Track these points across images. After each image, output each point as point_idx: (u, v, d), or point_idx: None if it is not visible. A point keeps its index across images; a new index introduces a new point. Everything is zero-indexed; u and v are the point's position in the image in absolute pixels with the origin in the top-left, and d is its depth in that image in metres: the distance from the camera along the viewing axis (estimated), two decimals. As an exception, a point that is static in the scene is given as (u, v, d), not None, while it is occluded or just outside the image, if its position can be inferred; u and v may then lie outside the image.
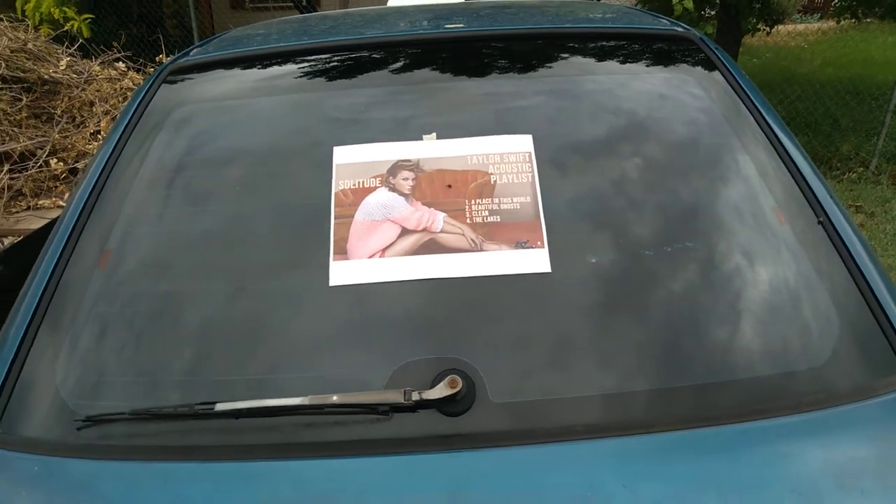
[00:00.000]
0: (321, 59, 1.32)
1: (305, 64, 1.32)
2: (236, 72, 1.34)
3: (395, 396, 0.85)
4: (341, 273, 0.96)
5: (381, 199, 1.02)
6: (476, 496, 0.81)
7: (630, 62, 1.32)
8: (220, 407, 0.86)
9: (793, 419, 0.87)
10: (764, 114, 1.15)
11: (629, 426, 0.86)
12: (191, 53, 1.45)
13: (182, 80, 1.31)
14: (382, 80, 1.28)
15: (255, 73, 1.33)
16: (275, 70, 1.33)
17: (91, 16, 5.92)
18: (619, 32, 1.39)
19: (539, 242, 0.97)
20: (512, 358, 0.92)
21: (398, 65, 1.31)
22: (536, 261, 0.96)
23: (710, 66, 1.26)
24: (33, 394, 0.94)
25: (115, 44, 5.84)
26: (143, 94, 1.26)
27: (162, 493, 0.83)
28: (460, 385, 0.85)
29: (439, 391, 0.84)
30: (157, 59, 5.52)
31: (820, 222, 1.03)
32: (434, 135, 1.09)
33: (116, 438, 0.89)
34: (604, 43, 1.36)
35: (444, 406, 0.86)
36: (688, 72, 1.26)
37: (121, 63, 5.30)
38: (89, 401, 0.92)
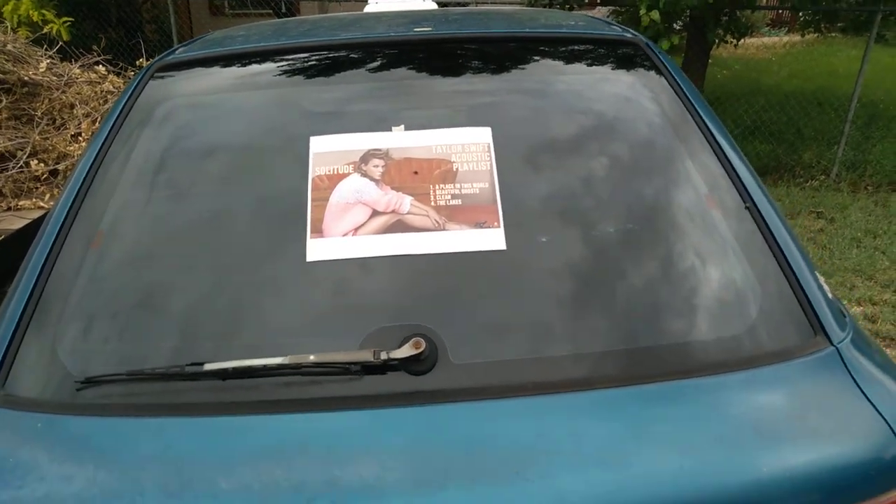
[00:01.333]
0: (299, 57, 1.43)
1: (284, 62, 1.42)
2: (220, 69, 1.43)
3: (366, 356, 0.94)
4: (317, 250, 1.06)
5: (353, 184, 1.12)
6: (437, 445, 0.91)
7: (581, 64, 1.44)
8: (208, 367, 0.95)
9: (719, 378, 0.99)
10: (699, 111, 1.28)
11: (573, 384, 0.97)
12: (177, 52, 1.55)
13: (169, 77, 1.40)
14: (355, 77, 1.38)
15: (237, 71, 1.43)
16: (256, 67, 1.43)
17: (70, 19, 5.93)
18: (572, 37, 1.52)
19: (496, 223, 1.08)
20: (470, 324, 1.03)
21: (370, 64, 1.42)
22: (493, 239, 1.07)
23: (652, 67, 1.38)
24: (35, 359, 1.02)
25: (94, 47, 5.87)
26: (132, 88, 1.35)
27: (155, 444, 0.92)
28: (423, 346, 0.95)
29: (405, 351, 0.95)
30: (137, 62, 5.56)
31: (747, 207, 1.15)
32: (402, 126, 1.19)
33: (113, 397, 0.97)
34: (558, 47, 1.49)
35: (410, 366, 0.96)
36: (632, 72, 1.38)
37: (101, 66, 5.34)
38: (86, 364, 1.01)
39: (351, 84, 1.36)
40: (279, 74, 1.40)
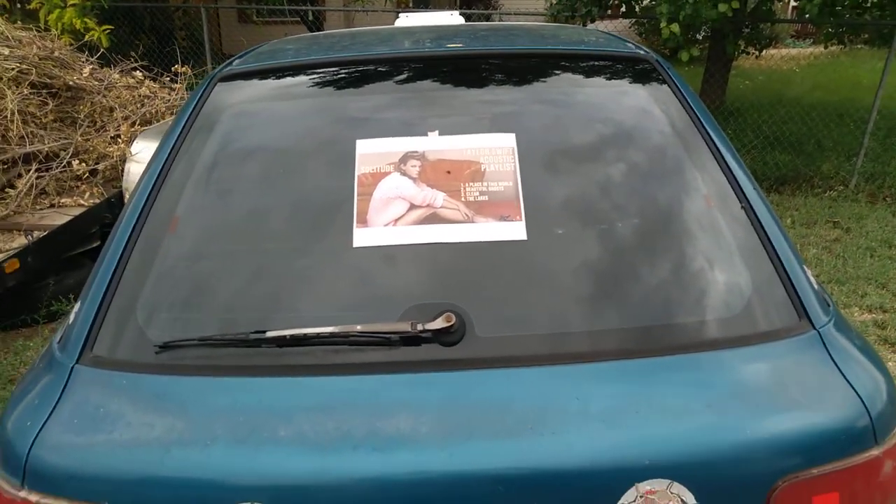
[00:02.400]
0: (345, 70, 1.59)
1: (332, 75, 1.59)
2: (274, 80, 1.60)
3: (404, 327, 1.09)
4: (363, 237, 1.21)
5: (394, 181, 1.27)
6: (463, 405, 1.05)
7: (596, 78, 1.59)
8: (269, 334, 1.10)
9: (712, 354, 1.12)
10: (703, 122, 1.42)
11: (583, 356, 1.11)
12: (234, 63, 1.72)
13: (230, 86, 1.57)
14: (395, 88, 1.54)
15: (290, 81, 1.60)
16: (306, 79, 1.59)
17: (110, 27, 6.18)
18: (589, 54, 1.67)
19: (518, 217, 1.23)
20: (494, 304, 1.17)
21: (408, 76, 1.57)
22: (515, 231, 1.21)
23: (661, 82, 1.53)
24: (118, 326, 1.18)
25: (132, 54, 6.11)
26: (198, 96, 1.52)
27: (224, 400, 1.07)
28: (454, 320, 1.10)
29: (438, 324, 1.09)
30: (173, 69, 5.78)
31: (742, 207, 1.28)
32: (437, 132, 1.35)
33: (186, 360, 1.12)
34: (577, 62, 1.64)
35: (441, 337, 1.10)
36: (644, 87, 1.53)
37: (138, 72, 5.58)
38: (163, 331, 1.17)
39: (391, 94, 1.52)
40: (327, 85, 1.57)
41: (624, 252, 1.23)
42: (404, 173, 1.29)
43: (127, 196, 4.40)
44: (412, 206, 1.24)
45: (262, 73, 1.61)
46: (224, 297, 1.21)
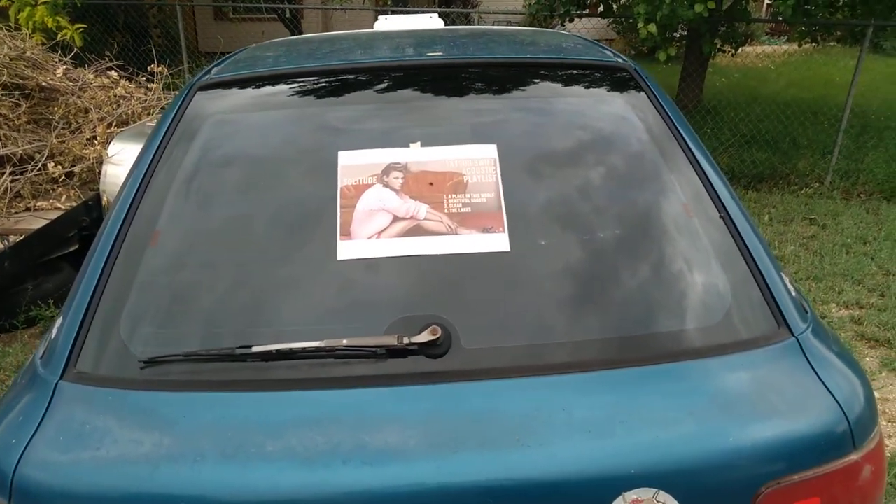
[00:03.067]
0: (325, 80, 1.59)
1: (312, 84, 1.58)
2: (254, 89, 1.59)
3: (390, 341, 1.09)
4: (347, 250, 1.21)
5: (377, 193, 1.27)
6: (450, 417, 1.06)
7: (576, 87, 1.61)
8: (254, 349, 1.10)
9: (693, 363, 1.14)
10: (681, 130, 1.44)
11: (566, 366, 1.12)
12: (212, 72, 1.71)
13: (210, 96, 1.56)
14: (377, 97, 1.54)
15: (269, 91, 1.59)
16: (286, 88, 1.58)
17: (84, 25, 6.08)
18: (569, 63, 1.68)
19: (500, 228, 1.23)
20: (479, 315, 1.17)
21: (390, 85, 1.57)
22: (498, 242, 1.22)
23: (639, 90, 1.54)
24: (101, 342, 1.16)
25: (107, 53, 6.03)
26: (178, 106, 1.51)
27: (211, 415, 1.07)
28: (440, 333, 1.10)
29: (423, 337, 1.09)
30: (148, 68, 5.71)
31: (721, 217, 1.31)
32: (419, 143, 1.35)
33: (172, 375, 1.12)
34: (557, 71, 1.65)
35: (427, 350, 1.11)
36: (622, 96, 1.54)
37: (113, 72, 5.50)
38: (147, 346, 1.16)
39: (372, 104, 1.52)
40: (307, 95, 1.56)
41: (605, 262, 1.25)
42: (387, 185, 1.29)
43: (105, 199, 4.34)
44: (395, 219, 1.24)
45: (242, 83, 1.60)
46: (208, 311, 1.21)
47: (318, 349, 1.10)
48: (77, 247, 4.27)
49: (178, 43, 8.32)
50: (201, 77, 1.66)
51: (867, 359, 3.39)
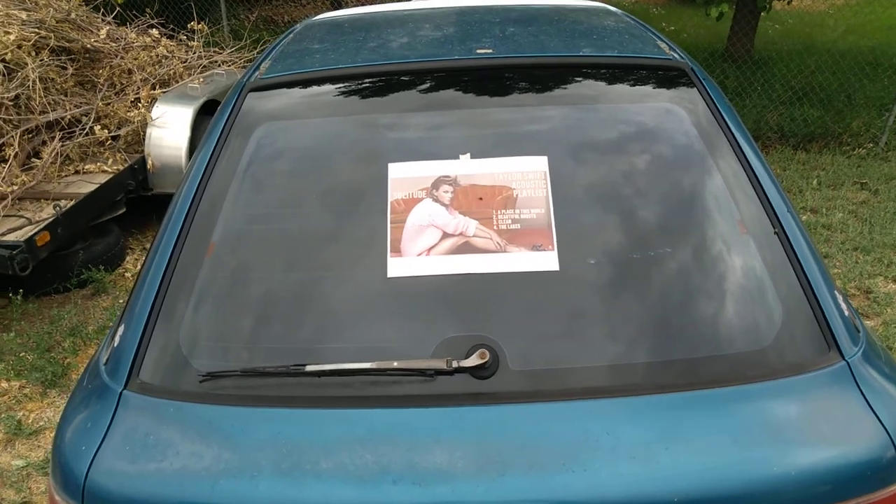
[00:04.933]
0: (375, 81, 1.58)
1: (362, 86, 1.58)
2: (303, 89, 1.60)
3: (440, 364, 1.13)
4: (397, 267, 1.23)
5: (426, 208, 1.28)
6: (497, 439, 1.09)
7: (630, 92, 1.56)
8: (308, 368, 1.15)
9: (740, 388, 1.14)
10: (739, 140, 1.39)
11: (615, 390, 1.13)
12: (262, 68, 1.71)
13: (260, 98, 1.57)
14: (426, 101, 1.53)
15: (319, 93, 1.59)
16: (335, 90, 1.58)
17: (124, -18, 6.05)
18: (623, 63, 1.63)
19: (550, 246, 1.24)
20: (527, 336, 1.19)
21: (440, 89, 1.56)
22: (548, 261, 1.22)
23: (697, 96, 1.50)
24: (162, 354, 1.22)
25: (147, 10, 6.02)
26: (229, 109, 1.52)
27: (266, 430, 1.12)
28: (488, 357, 1.13)
29: (472, 361, 1.12)
30: (189, 25, 5.70)
31: (776, 233, 1.28)
32: (468, 154, 1.34)
33: (230, 389, 1.17)
34: (609, 73, 1.61)
35: (475, 372, 1.14)
36: (678, 102, 1.49)
37: (154, 30, 5.51)
38: (206, 360, 1.21)
39: (421, 109, 1.51)
40: (356, 97, 1.56)
41: (655, 283, 1.24)
42: (437, 199, 1.29)
43: (150, 161, 4.44)
44: (445, 235, 1.25)
45: (292, 84, 1.60)
46: (261, 325, 1.25)
47: (369, 370, 1.13)
48: (124, 210, 4.39)
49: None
50: (252, 73, 1.67)
51: (915, 337, 3.32)
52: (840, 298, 1.26)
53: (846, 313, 1.24)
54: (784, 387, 1.14)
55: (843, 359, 1.17)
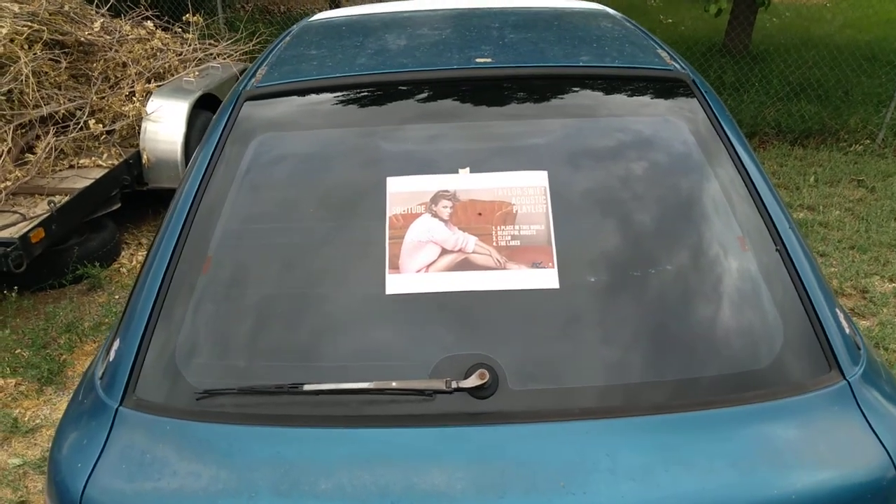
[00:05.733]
0: (372, 91, 1.56)
1: (359, 95, 1.56)
2: (300, 98, 1.58)
3: (439, 384, 1.12)
4: (395, 284, 1.22)
5: (425, 224, 1.27)
6: (497, 458, 1.09)
7: (630, 104, 1.55)
8: (306, 387, 1.14)
9: (740, 409, 1.14)
10: (741, 155, 1.38)
11: (613, 411, 1.13)
12: (257, 74, 1.69)
13: (257, 107, 1.55)
14: (425, 112, 1.52)
15: (316, 102, 1.57)
16: (332, 99, 1.56)
17: (118, -28, 5.97)
18: (624, 75, 1.61)
19: (550, 263, 1.23)
20: (526, 355, 1.19)
21: (439, 98, 1.54)
22: (547, 278, 1.22)
23: (698, 108, 1.49)
24: (159, 370, 1.21)
25: (142, 2, 5.96)
26: (226, 119, 1.50)
27: (264, 450, 1.12)
28: (488, 377, 1.12)
29: (472, 381, 1.12)
30: (184, 17, 5.65)
31: (777, 250, 1.28)
32: (468, 169, 1.33)
33: (227, 407, 1.16)
34: (609, 83, 1.59)
35: (475, 392, 1.13)
36: (679, 115, 1.48)
37: (149, 22, 5.46)
38: (203, 377, 1.20)
39: (419, 120, 1.49)
40: (353, 108, 1.55)
41: (655, 302, 1.24)
42: (436, 215, 1.28)
43: (145, 156, 4.41)
44: (444, 251, 1.24)
45: (288, 93, 1.59)
46: (261, 342, 1.24)
47: (367, 390, 1.13)
48: (119, 205, 4.36)
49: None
50: (248, 80, 1.65)
51: (910, 338, 3.33)
52: (841, 316, 1.26)
53: (847, 331, 1.24)
54: (785, 407, 1.14)
55: (844, 378, 1.17)
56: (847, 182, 5.13)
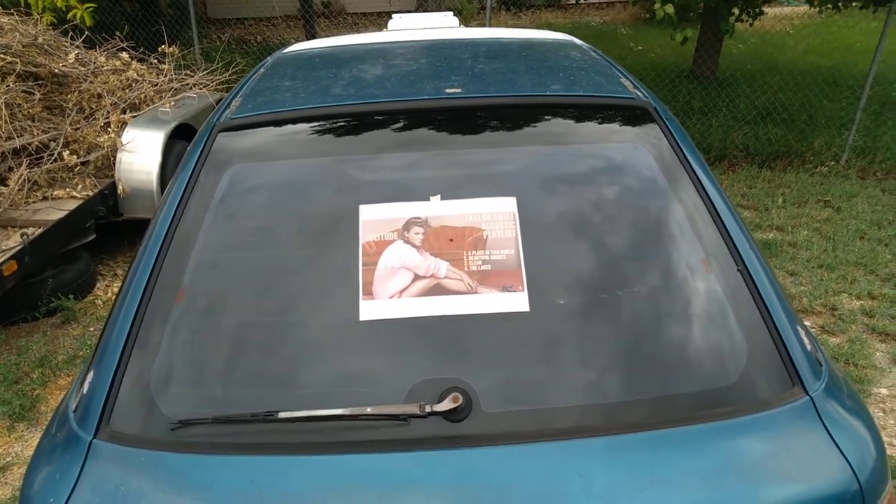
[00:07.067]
0: (344, 122, 1.60)
1: (331, 126, 1.59)
2: (274, 129, 1.61)
3: (413, 409, 1.14)
4: (369, 310, 1.24)
5: (398, 250, 1.30)
6: (472, 481, 1.10)
7: (595, 130, 1.61)
8: (281, 415, 1.15)
9: (707, 426, 1.17)
10: (702, 179, 1.44)
11: (586, 430, 1.15)
12: (231, 106, 1.72)
13: (230, 139, 1.58)
14: (396, 141, 1.55)
15: (289, 133, 1.60)
16: (306, 131, 1.60)
17: (93, 4, 6.01)
18: (587, 103, 1.67)
19: (520, 287, 1.26)
20: (498, 378, 1.21)
21: (410, 128, 1.58)
22: (518, 302, 1.25)
23: (659, 135, 1.54)
24: (133, 401, 1.21)
25: (117, 33, 5.98)
26: (199, 150, 1.53)
27: (239, 479, 1.12)
28: (461, 400, 1.14)
29: (445, 405, 1.14)
30: (159, 48, 5.67)
31: (738, 270, 1.32)
32: (439, 196, 1.37)
33: (202, 437, 1.17)
34: (574, 111, 1.65)
35: (449, 415, 1.15)
36: (641, 141, 1.54)
37: (124, 53, 5.47)
38: (177, 407, 1.20)
39: (391, 150, 1.53)
40: (327, 140, 1.58)
41: (623, 324, 1.27)
42: (408, 241, 1.31)
43: (120, 187, 4.39)
44: (416, 277, 1.27)
45: (262, 124, 1.61)
46: (235, 371, 1.25)
47: (342, 416, 1.14)
48: (94, 237, 4.33)
49: (187, 12, 8.20)
50: (222, 112, 1.67)
51: (878, 353, 3.41)
52: (802, 332, 1.30)
53: (808, 347, 1.28)
54: (751, 423, 1.17)
55: (807, 394, 1.20)
56: (814, 202, 5.27)
